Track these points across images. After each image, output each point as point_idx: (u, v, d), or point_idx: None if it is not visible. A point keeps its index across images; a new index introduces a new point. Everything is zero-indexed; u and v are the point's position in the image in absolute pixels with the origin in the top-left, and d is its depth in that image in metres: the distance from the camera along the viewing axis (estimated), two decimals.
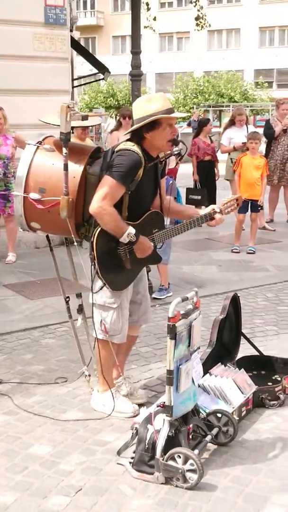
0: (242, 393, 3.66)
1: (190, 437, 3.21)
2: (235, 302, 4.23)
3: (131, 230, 3.45)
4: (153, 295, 6.01)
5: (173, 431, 3.08)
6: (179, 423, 3.12)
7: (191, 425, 3.21)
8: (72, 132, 3.69)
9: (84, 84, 26.71)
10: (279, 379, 3.99)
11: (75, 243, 3.70)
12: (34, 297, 6.16)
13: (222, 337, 4.10)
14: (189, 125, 25.87)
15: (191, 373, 3.20)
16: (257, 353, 4.30)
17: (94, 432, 3.54)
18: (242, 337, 4.31)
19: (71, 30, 9.13)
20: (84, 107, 37.70)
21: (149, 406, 3.42)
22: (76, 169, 3.54)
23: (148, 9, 13.69)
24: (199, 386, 3.51)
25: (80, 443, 3.41)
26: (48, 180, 3.58)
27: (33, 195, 3.57)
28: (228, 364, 3.96)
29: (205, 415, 3.41)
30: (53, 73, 8.22)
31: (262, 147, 9.78)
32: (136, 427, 3.21)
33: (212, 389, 3.59)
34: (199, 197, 9.67)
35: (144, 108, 3.48)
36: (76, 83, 10.44)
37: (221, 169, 10.08)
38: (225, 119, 15.82)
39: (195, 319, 3.21)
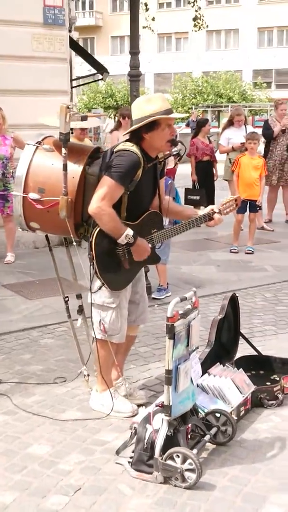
0: (241, 392, 3.66)
1: (189, 436, 3.22)
2: (233, 302, 4.23)
3: (129, 231, 3.45)
4: (152, 295, 6.02)
5: (172, 430, 3.08)
6: (177, 423, 3.12)
7: (189, 425, 3.22)
8: (71, 133, 3.70)
9: (83, 84, 26.75)
10: (277, 379, 4.00)
11: (74, 243, 3.71)
12: (33, 297, 6.16)
13: (220, 337, 4.10)
14: (187, 125, 25.90)
15: (189, 373, 3.21)
16: (255, 353, 4.30)
17: (93, 431, 3.54)
18: (240, 337, 4.31)
19: (69, 31, 9.14)
20: (83, 107, 37.69)
21: (148, 406, 3.42)
22: (75, 169, 3.55)
23: (147, 9, 13.72)
24: (197, 386, 3.52)
25: (79, 443, 3.42)
26: (48, 180, 3.58)
27: (33, 195, 3.58)
28: (226, 364, 3.96)
29: (203, 415, 3.42)
30: (51, 74, 8.22)
31: (261, 148, 9.79)
32: (135, 427, 3.21)
33: (211, 389, 3.60)
34: (198, 198, 9.67)
35: (143, 108, 3.49)
36: (74, 83, 10.45)
37: (220, 169, 10.08)
38: (224, 120, 15.86)
39: (193, 319, 3.22)
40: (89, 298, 3.65)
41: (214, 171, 10.10)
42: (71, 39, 9.12)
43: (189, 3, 13.88)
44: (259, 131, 9.98)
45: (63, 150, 3.47)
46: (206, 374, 3.71)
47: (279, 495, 2.93)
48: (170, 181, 5.52)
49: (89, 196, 3.48)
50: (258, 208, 8.41)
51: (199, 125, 10.32)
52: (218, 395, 3.57)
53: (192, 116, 27.01)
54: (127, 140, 3.56)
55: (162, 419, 3.09)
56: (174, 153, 3.66)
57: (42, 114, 4.19)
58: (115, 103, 39.72)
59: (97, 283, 3.59)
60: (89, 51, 14.16)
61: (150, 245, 3.63)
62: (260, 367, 4.22)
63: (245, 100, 38.15)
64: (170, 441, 3.06)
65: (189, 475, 2.97)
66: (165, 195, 3.87)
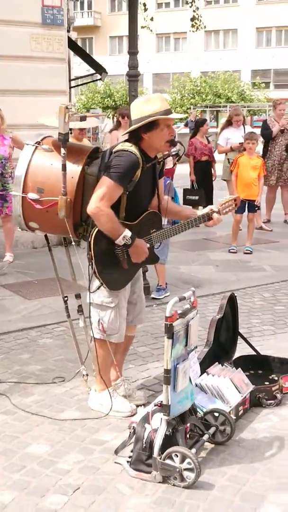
0: (239, 392, 3.67)
1: (188, 436, 3.22)
2: (232, 302, 4.24)
3: (127, 233, 3.46)
4: (152, 295, 6.03)
5: (170, 430, 3.09)
6: (176, 422, 3.13)
7: (188, 424, 3.22)
8: (70, 133, 3.70)
9: (81, 84, 26.71)
10: (276, 378, 4.00)
11: (73, 243, 3.71)
12: (31, 297, 6.16)
13: (219, 337, 4.11)
14: (186, 125, 25.89)
15: (188, 373, 3.21)
16: (254, 353, 4.31)
17: (92, 431, 3.55)
18: (239, 336, 4.32)
19: (68, 31, 9.14)
20: (81, 107, 37.68)
21: (147, 406, 3.43)
22: (74, 169, 3.55)
23: (145, 9, 13.70)
24: (196, 385, 3.52)
25: (77, 442, 3.42)
26: (47, 180, 3.59)
27: (32, 195, 3.58)
28: (225, 364, 3.97)
29: (202, 414, 3.42)
30: (50, 74, 8.22)
31: (259, 148, 9.80)
32: (133, 426, 3.22)
33: (209, 389, 3.60)
34: (197, 198, 9.69)
35: (142, 108, 3.49)
36: (73, 83, 10.45)
37: (218, 169, 10.10)
38: (222, 120, 15.85)
39: (192, 318, 3.22)
40: (87, 297, 3.65)
41: (213, 171, 10.12)
42: (69, 39, 9.12)
43: (187, 3, 13.87)
44: (258, 131, 9.98)
45: (62, 150, 3.47)
46: (205, 374, 3.72)
47: (277, 494, 2.94)
48: (168, 181, 5.52)
49: (88, 196, 3.49)
50: (256, 208, 8.41)
51: (197, 125, 10.34)
52: (217, 395, 3.58)
53: (190, 116, 26.99)
54: (126, 140, 3.56)
55: (161, 418, 3.09)
56: (173, 153, 3.67)
57: (41, 114, 4.20)
58: (113, 103, 39.67)
59: (96, 282, 3.60)
60: (87, 51, 14.13)
61: (148, 245, 3.64)
62: (258, 366, 4.23)
63: (244, 100, 38.14)
64: (169, 441, 3.06)
65: (187, 475, 2.98)
66: (164, 195, 3.88)
